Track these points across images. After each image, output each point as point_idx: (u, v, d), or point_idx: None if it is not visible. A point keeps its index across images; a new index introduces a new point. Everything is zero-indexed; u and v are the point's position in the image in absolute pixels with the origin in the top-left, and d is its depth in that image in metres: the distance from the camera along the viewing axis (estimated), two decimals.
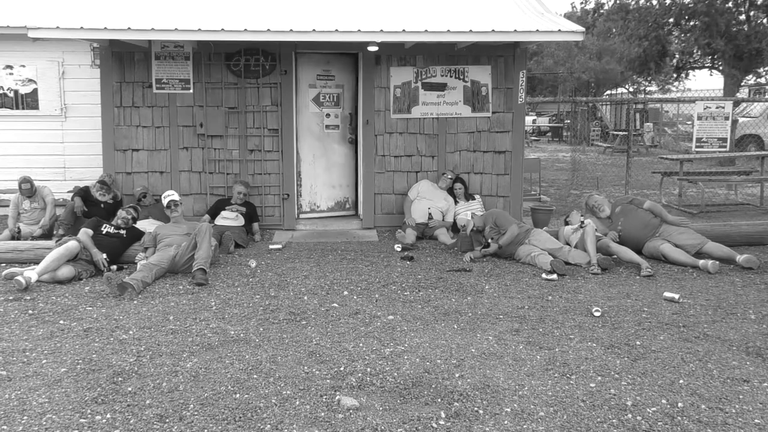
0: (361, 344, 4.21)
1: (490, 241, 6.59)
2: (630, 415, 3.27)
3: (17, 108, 8.63)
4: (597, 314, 4.81)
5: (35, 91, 8.62)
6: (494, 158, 8.14)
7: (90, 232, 6.05)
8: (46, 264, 5.57)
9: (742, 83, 18.60)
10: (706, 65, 19.26)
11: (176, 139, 7.86)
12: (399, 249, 6.95)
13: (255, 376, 3.71)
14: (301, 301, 5.18)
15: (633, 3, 17.54)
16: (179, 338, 4.31)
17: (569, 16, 24.90)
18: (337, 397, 3.42)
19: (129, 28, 6.68)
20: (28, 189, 7.34)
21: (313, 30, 6.76)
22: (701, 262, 6.07)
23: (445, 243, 7.26)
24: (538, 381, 3.67)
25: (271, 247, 7.05)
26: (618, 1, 17.72)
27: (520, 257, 6.46)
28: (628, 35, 18.23)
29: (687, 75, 19.91)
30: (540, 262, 6.17)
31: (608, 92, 30.88)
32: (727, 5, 15.60)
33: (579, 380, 3.68)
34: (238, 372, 3.76)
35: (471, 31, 6.88)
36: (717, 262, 6.05)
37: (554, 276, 5.86)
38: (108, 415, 3.24)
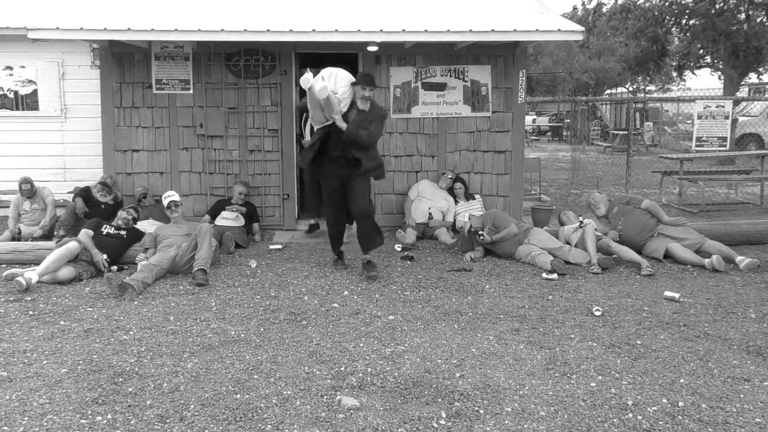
0: (361, 344, 4.21)
1: (484, 234, 6.55)
2: (631, 415, 3.27)
3: (17, 109, 8.62)
4: (597, 314, 4.81)
5: (35, 91, 8.62)
6: (494, 158, 8.14)
7: (90, 232, 6.05)
8: (47, 265, 5.58)
9: (742, 82, 18.59)
10: (705, 65, 19.24)
11: (176, 140, 7.87)
12: (399, 249, 6.95)
13: (255, 376, 3.71)
14: (301, 301, 5.18)
15: (632, 2, 17.52)
16: (180, 339, 4.31)
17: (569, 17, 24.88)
18: (337, 397, 3.42)
19: (129, 29, 6.68)
20: (29, 190, 7.34)
21: (313, 30, 6.77)
22: (707, 260, 6.07)
23: (445, 243, 7.26)
24: (539, 380, 3.67)
25: (271, 247, 7.05)
26: (620, 1, 17.71)
27: (520, 257, 6.46)
28: (627, 34, 18.22)
29: (693, 72, 19.85)
30: (540, 261, 6.17)
31: (608, 91, 30.88)
32: (726, 5, 15.59)
33: (580, 380, 3.69)
34: (239, 372, 3.77)
35: (471, 30, 6.89)
36: (722, 260, 6.05)
37: (554, 275, 5.86)
38: (109, 416, 3.24)
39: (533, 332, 4.46)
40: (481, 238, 6.54)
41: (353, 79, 5.65)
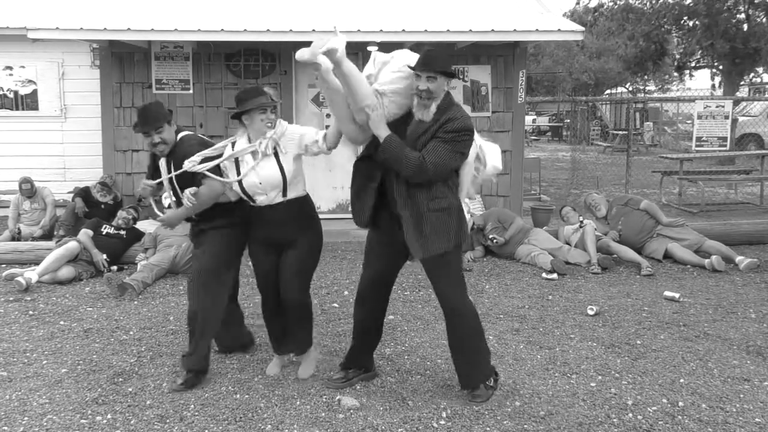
0: None
1: (496, 236, 6.55)
2: (631, 415, 3.27)
3: (17, 109, 8.63)
4: (591, 312, 4.80)
5: (35, 91, 8.62)
6: None
7: (90, 232, 6.05)
8: (47, 265, 5.58)
9: (741, 82, 18.58)
10: (705, 65, 19.23)
11: None
12: None
13: (255, 377, 3.71)
14: None
15: (635, 2, 17.51)
16: (180, 338, 4.31)
17: (570, 14, 24.87)
18: (337, 397, 3.42)
19: (129, 29, 6.68)
20: (29, 189, 7.34)
21: (313, 30, 6.77)
22: (707, 261, 6.06)
23: None
24: (539, 380, 3.67)
25: None
26: (619, 2, 17.70)
27: (520, 257, 6.46)
28: (626, 35, 18.21)
29: (691, 75, 19.87)
30: (540, 261, 6.17)
31: (608, 91, 30.87)
32: (726, 5, 15.59)
33: (579, 380, 3.69)
34: (239, 372, 3.77)
35: (471, 30, 6.89)
36: (722, 260, 6.05)
37: (554, 275, 5.86)
38: (109, 416, 3.24)
39: (533, 332, 4.46)
40: (495, 241, 6.54)
41: (411, 63, 3.18)
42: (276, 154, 3.45)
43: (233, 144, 3.57)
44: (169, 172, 3.63)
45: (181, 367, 3.60)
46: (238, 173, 3.47)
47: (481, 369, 3.38)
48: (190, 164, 3.44)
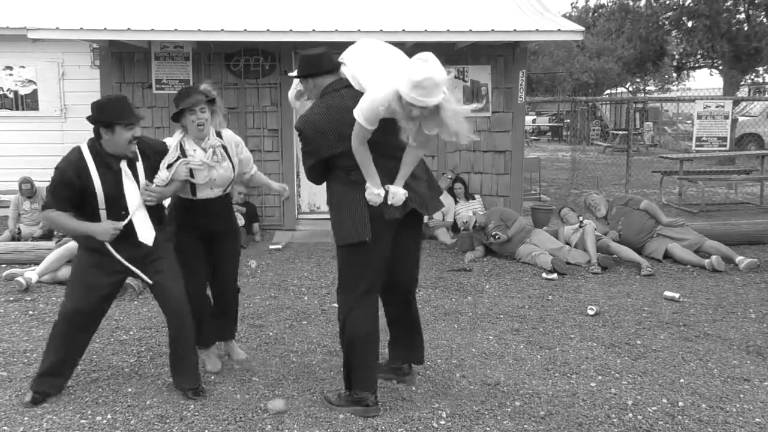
0: None
1: (499, 233, 6.56)
2: (631, 415, 3.27)
3: (17, 109, 8.63)
4: (591, 312, 4.80)
5: (35, 91, 8.62)
6: (494, 158, 8.13)
7: None
8: (47, 265, 5.58)
9: (741, 82, 18.59)
10: (705, 65, 19.25)
11: None
12: None
13: (255, 378, 3.71)
14: (301, 301, 5.18)
15: (633, 3, 17.51)
16: None
17: (568, 17, 24.87)
18: None
19: (129, 29, 6.69)
20: (29, 189, 7.35)
21: (313, 30, 6.77)
22: (707, 261, 6.06)
23: (445, 243, 7.26)
24: (539, 380, 3.67)
25: (271, 247, 7.05)
26: (617, 2, 17.69)
27: (521, 257, 6.46)
28: (625, 38, 18.21)
29: (688, 75, 19.86)
30: (540, 261, 6.17)
31: (608, 91, 30.87)
32: (726, 4, 15.60)
33: (579, 380, 3.69)
34: (239, 372, 3.77)
35: (471, 30, 6.89)
36: (722, 260, 6.06)
37: (554, 275, 5.87)
38: (108, 416, 3.24)
39: (533, 332, 4.46)
40: (498, 237, 6.54)
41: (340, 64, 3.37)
42: (229, 155, 3.73)
43: (181, 147, 3.65)
44: (136, 177, 3.54)
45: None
46: (191, 173, 3.59)
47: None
48: (161, 180, 3.57)
